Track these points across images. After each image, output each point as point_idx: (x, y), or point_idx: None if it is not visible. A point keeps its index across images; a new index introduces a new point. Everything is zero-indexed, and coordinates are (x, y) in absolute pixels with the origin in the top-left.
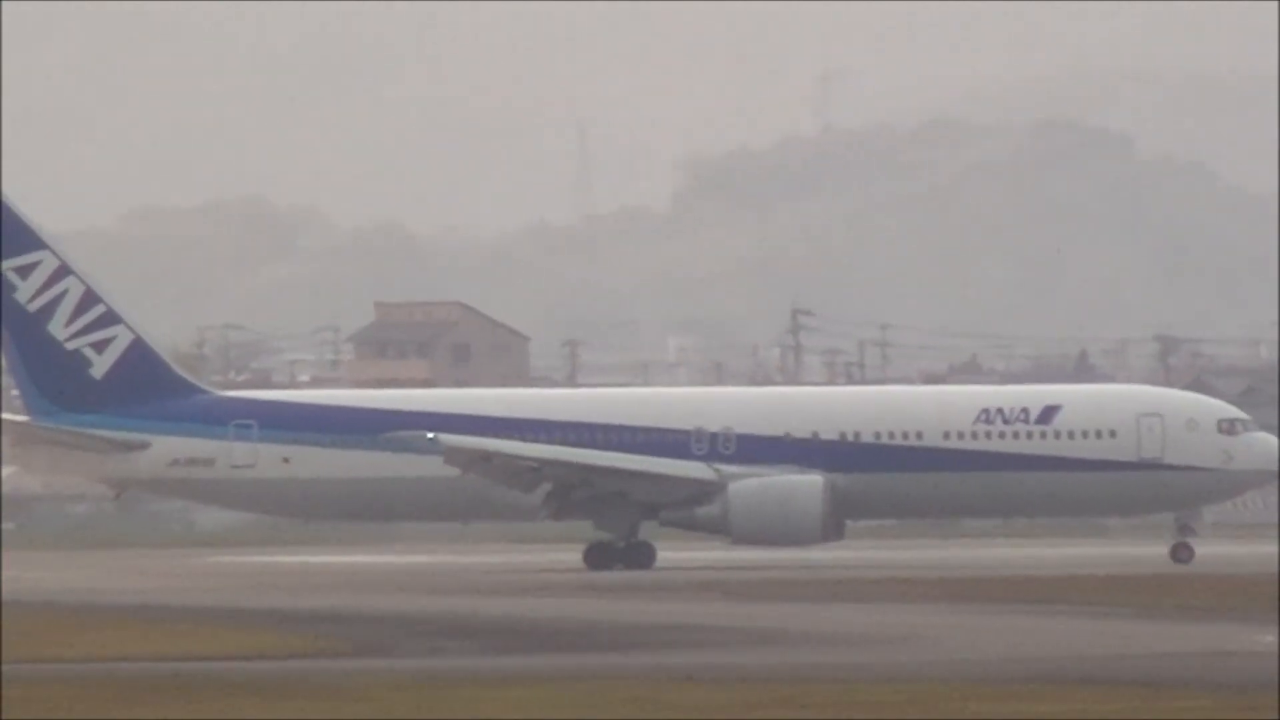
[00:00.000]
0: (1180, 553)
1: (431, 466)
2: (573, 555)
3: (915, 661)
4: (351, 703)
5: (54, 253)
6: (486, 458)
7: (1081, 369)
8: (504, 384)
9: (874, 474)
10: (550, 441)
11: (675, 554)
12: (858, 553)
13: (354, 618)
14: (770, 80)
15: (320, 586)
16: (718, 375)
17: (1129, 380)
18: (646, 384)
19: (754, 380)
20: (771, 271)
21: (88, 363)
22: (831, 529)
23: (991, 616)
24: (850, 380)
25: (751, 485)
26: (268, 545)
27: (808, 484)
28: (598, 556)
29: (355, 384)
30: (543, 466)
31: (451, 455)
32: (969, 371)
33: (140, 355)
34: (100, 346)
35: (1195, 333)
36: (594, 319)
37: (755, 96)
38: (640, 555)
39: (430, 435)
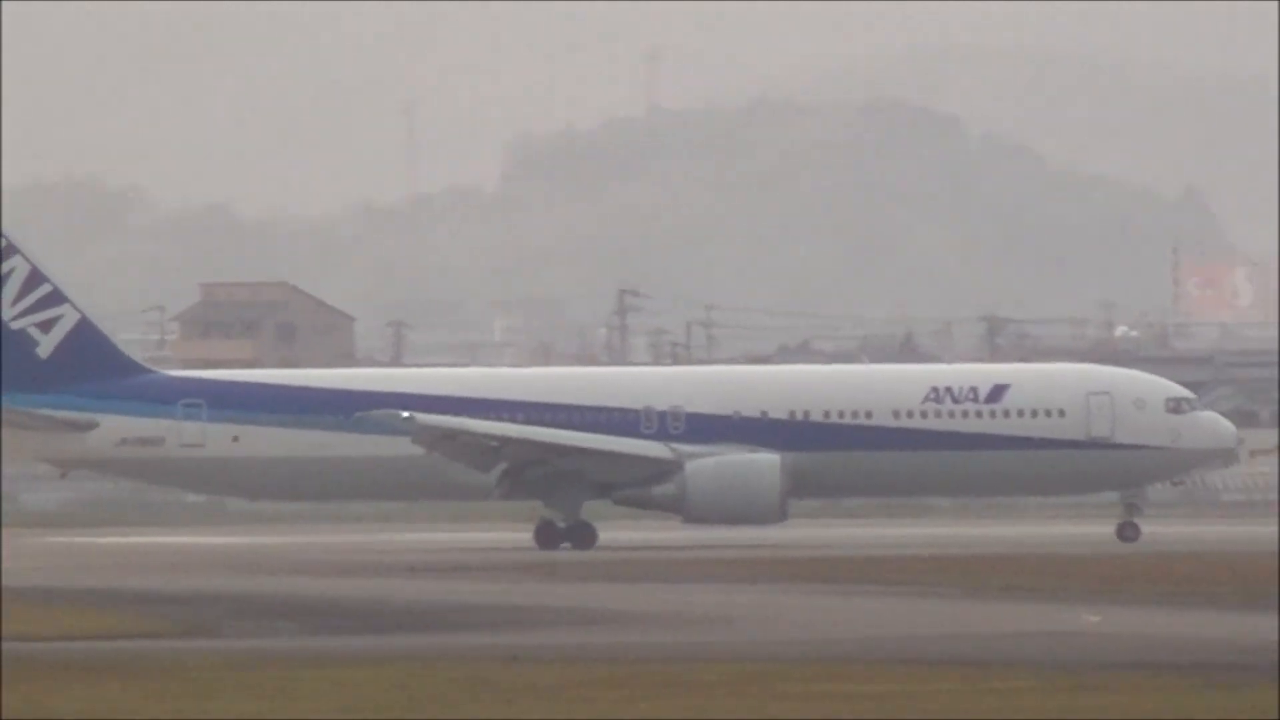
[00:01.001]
0: (1126, 531)
1: (382, 446)
2: (523, 535)
3: (741, 641)
4: (171, 682)
5: None
6: (453, 436)
7: (907, 350)
8: (329, 364)
9: (823, 453)
10: (500, 420)
11: (616, 534)
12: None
13: (180, 598)
14: (597, 60)
15: (151, 567)
16: (545, 356)
17: (954, 360)
18: (473, 364)
19: (580, 361)
20: (599, 252)
21: (33, 342)
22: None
23: (827, 597)
24: (676, 361)
25: (709, 464)
26: (99, 526)
27: (765, 463)
28: (547, 535)
29: (181, 364)
30: (503, 445)
31: (421, 434)
32: (800, 353)
33: (86, 335)
34: (46, 326)
35: (1022, 313)
36: (420, 299)
37: (582, 76)
38: (582, 535)
39: (405, 414)
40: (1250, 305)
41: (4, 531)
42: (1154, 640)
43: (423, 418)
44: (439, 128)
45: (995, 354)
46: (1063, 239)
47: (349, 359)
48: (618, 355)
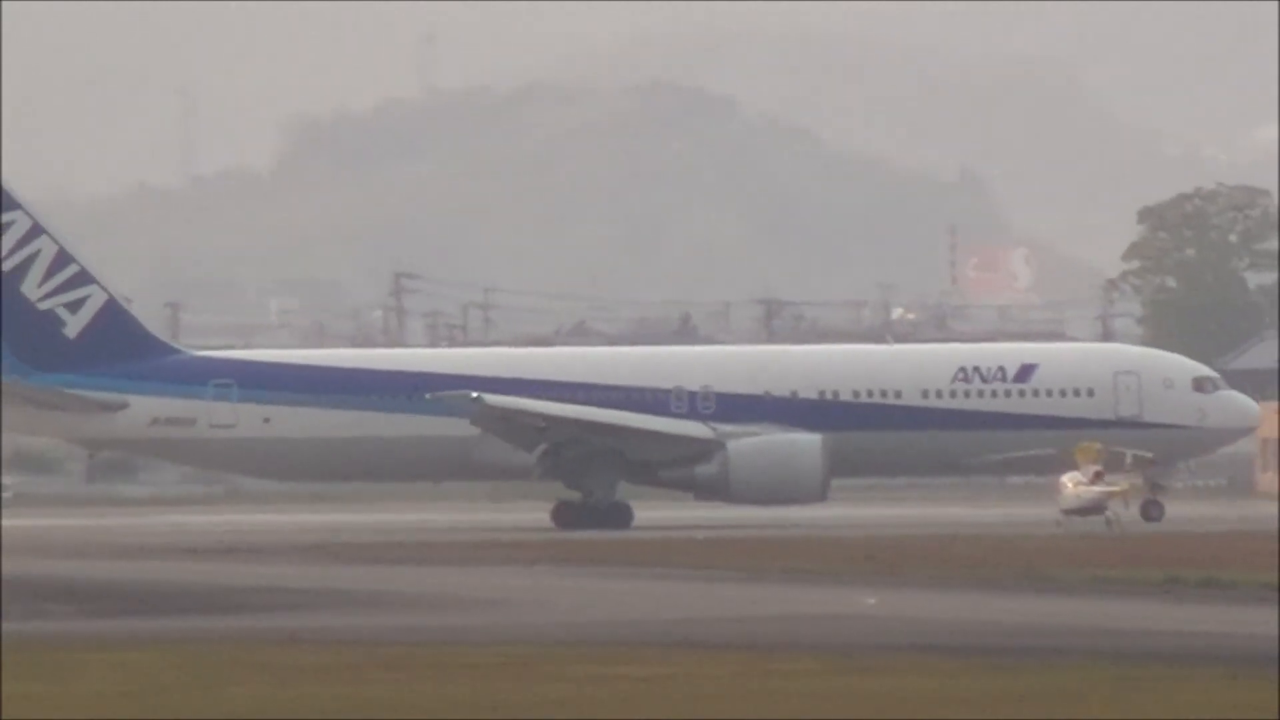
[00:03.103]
0: (1151, 510)
1: (417, 426)
2: (541, 515)
3: (519, 624)
4: None
5: (27, 212)
6: (510, 417)
7: (684, 331)
8: None
9: (853, 433)
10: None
11: (651, 514)
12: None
13: None
14: (372, 41)
15: None
16: (320, 337)
17: (732, 342)
18: (248, 346)
19: (356, 343)
20: (374, 233)
21: (61, 322)
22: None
23: (601, 579)
24: (454, 343)
25: (752, 444)
26: None
27: (808, 442)
28: (566, 516)
29: None
30: (549, 425)
31: (483, 414)
32: (577, 334)
33: (113, 315)
34: (74, 306)
35: (799, 295)
36: (196, 280)
37: (357, 57)
38: (618, 516)
39: (474, 395)
40: (1028, 287)
41: None
42: (931, 623)
43: (490, 398)
44: (215, 109)
45: (773, 336)
46: (840, 221)
47: None
48: (394, 337)
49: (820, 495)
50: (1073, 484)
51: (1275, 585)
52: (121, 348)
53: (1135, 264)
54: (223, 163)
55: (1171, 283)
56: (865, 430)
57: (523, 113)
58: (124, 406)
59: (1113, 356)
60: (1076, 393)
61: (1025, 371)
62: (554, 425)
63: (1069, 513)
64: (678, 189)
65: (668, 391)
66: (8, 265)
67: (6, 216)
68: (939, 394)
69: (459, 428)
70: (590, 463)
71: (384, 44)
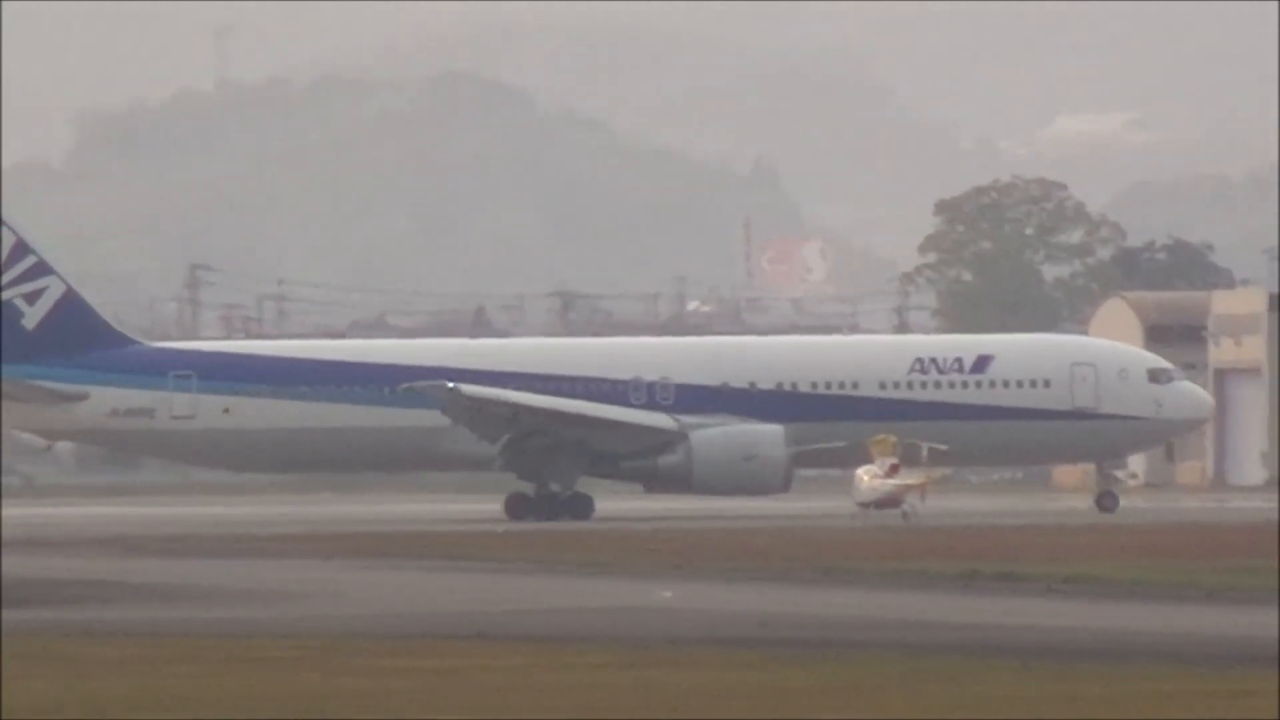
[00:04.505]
0: (1106, 501)
1: (375, 417)
2: (493, 506)
3: (313, 616)
4: None
5: None
6: (480, 407)
7: (479, 324)
8: None
9: (811, 424)
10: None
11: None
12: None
13: None
14: (166, 34)
15: None
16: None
17: (526, 334)
18: None
19: (150, 335)
20: (169, 226)
21: (19, 313)
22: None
23: (396, 572)
24: (249, 336)
25: (714, 435)
26: None
27: (770, 433)
28: (519, 507)
29: None
30: (515, 415)
31: (454, 404)
32: (375, 328)
33: (72, 306)
34: (32, 298)
35: (594, 288)
36: None
37: (151, 50)
38: (579, 506)
39: (451, 385)
40: (823, 279)
41: None
42: (725, 615)
43: (466, 388)
44: (7, 102)
45: (569, 329)
46: (635, 213)
47: None
48: (189, 330)
49: (784, 486)
50: (868, 477)
51: (1071, 579)
52: (81, 339)
53: (931, 257)
54: (17, 156)
55: (967, 275)
56: (823, 421)
57: (318, 105)
58: (84, 398)
59: (1069, 348)
60: (1033, 384)
61: (981, 363)
62: (522, 415)
63: (865, 505)
64: (473, 181)
65: (625, 382)
66: None
67: None
68: (896, 385)
69: (422, 418)
70: (554, 453)
71: (178, 37)
